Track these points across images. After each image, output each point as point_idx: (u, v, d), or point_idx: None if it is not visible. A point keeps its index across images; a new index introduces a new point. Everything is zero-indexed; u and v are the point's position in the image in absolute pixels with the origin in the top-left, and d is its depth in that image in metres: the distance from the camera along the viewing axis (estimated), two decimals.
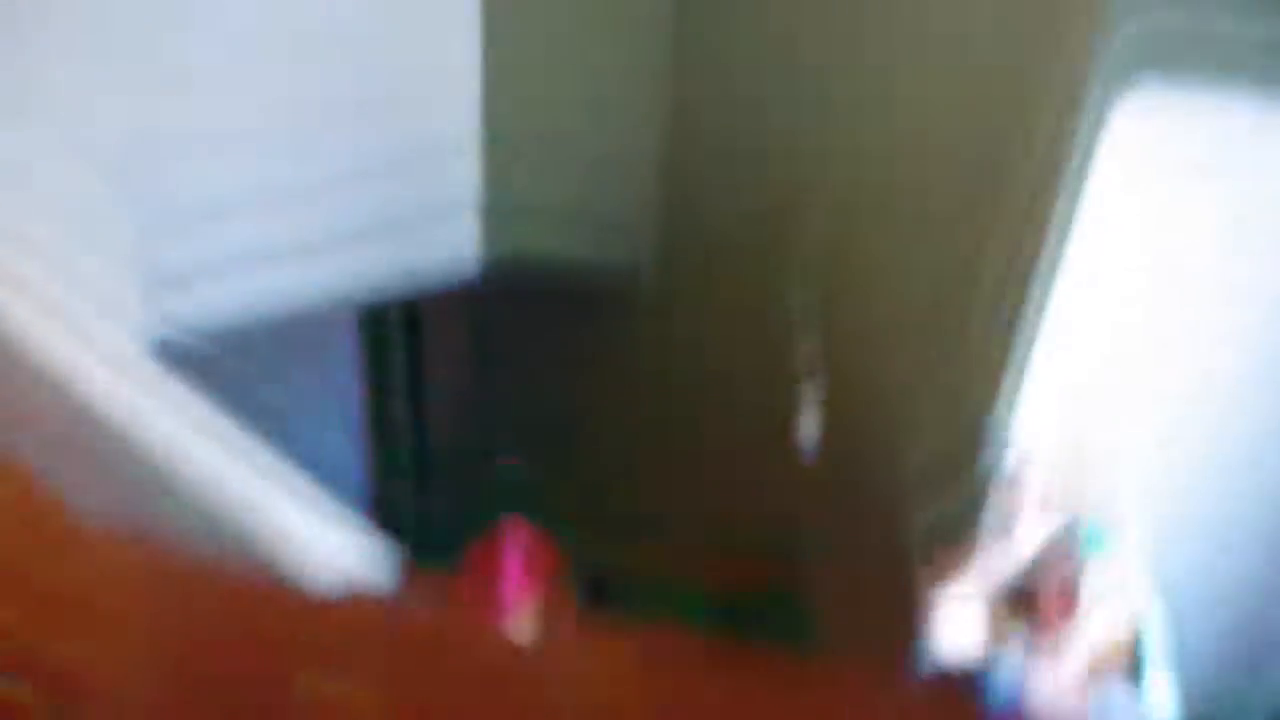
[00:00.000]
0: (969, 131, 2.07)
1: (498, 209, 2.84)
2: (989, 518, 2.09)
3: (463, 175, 2.74)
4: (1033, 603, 1.92)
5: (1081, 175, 1.84)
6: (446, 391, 4.66)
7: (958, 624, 1.99)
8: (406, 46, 2.53)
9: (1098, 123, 1.79)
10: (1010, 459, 2.14)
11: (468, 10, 2.54)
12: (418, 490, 5.03)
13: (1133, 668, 1.88)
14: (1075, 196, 1.86)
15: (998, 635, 1.98)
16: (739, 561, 2.92)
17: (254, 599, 1.06)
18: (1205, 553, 2.22)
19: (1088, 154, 1.82)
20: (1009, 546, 1.95)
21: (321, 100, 2.46)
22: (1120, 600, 1.85)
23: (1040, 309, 1.99)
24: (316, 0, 2.40)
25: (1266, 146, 1.81)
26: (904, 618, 2.01)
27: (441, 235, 2.83)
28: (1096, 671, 1.88)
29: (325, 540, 1.81)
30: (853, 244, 2.42)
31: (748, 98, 2.63)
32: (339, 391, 4.73)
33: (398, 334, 4.60)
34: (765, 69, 2.56)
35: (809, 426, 2.61)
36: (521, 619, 1.31)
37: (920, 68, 2.16)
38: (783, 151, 2.55)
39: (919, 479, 2.31)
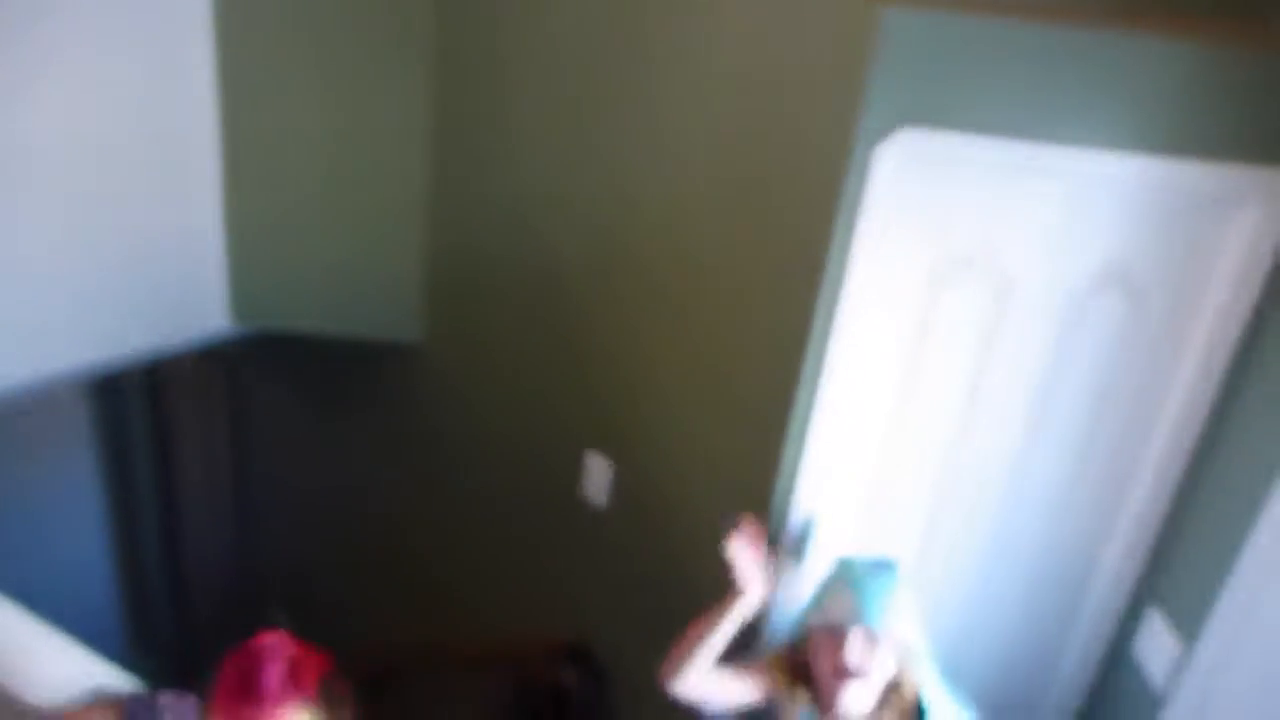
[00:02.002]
0: (733, 201, 2.08)
1: (249, 278, 2.73)
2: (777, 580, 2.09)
3: (208, 254, 2.65)
4: (809, 662, 1.91)
5: (848, 232, 1.88)
6: (197, 469, 4.37)
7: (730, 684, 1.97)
8: (147, 138, 2.45)
9: (861, 175, 1.84)
10: (795, 526, 2.17)
11: (206, 103, 2.50)
12: (172, 590, 4.71)
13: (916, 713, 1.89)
14: (843, 256, 1.89)
15: (781, 695, 1.97)
16: (532, 634, 2.83)
17: None
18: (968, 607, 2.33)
19: (854, 209, 1.86)
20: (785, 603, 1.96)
21: (63, 185, 2.34)
22: (896, 646, 1.85)
23: (815, 375, 2.01)
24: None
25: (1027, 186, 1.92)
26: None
27: (192, 305, 2.70)
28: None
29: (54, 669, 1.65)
30: (628, 321, 2.39)
31: (506, 179, 2.58)
32: (78, 477, 4.36)
33: (141, 409, 4.27)
34: (525, 150, 2.53)
35: (597, 492, 2.56)
36: None
37: (681, 159, 2.17)
38: (549, 217, 2.50)
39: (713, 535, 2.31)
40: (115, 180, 2.41)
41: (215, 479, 4.32)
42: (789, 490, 2.12)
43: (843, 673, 1.82)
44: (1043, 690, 2.45)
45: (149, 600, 4.70)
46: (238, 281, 2.73)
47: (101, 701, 1.59)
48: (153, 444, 4.37)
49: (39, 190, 2.29)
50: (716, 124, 2.07)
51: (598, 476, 2.54)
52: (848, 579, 1.87)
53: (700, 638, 1.92)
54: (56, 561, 4.30)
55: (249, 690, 1.19)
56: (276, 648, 1.23)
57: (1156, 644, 2.19)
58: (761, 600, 1.97)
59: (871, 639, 1.81)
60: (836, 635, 1.83)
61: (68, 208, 2.36)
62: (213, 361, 3.84)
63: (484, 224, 2.67)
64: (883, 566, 1.88)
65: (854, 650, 1.80)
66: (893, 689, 1.87)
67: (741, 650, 2.02)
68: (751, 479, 2.15)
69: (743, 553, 1.95)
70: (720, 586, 2.30)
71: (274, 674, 1.20)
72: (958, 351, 2.05)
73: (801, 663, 1.93)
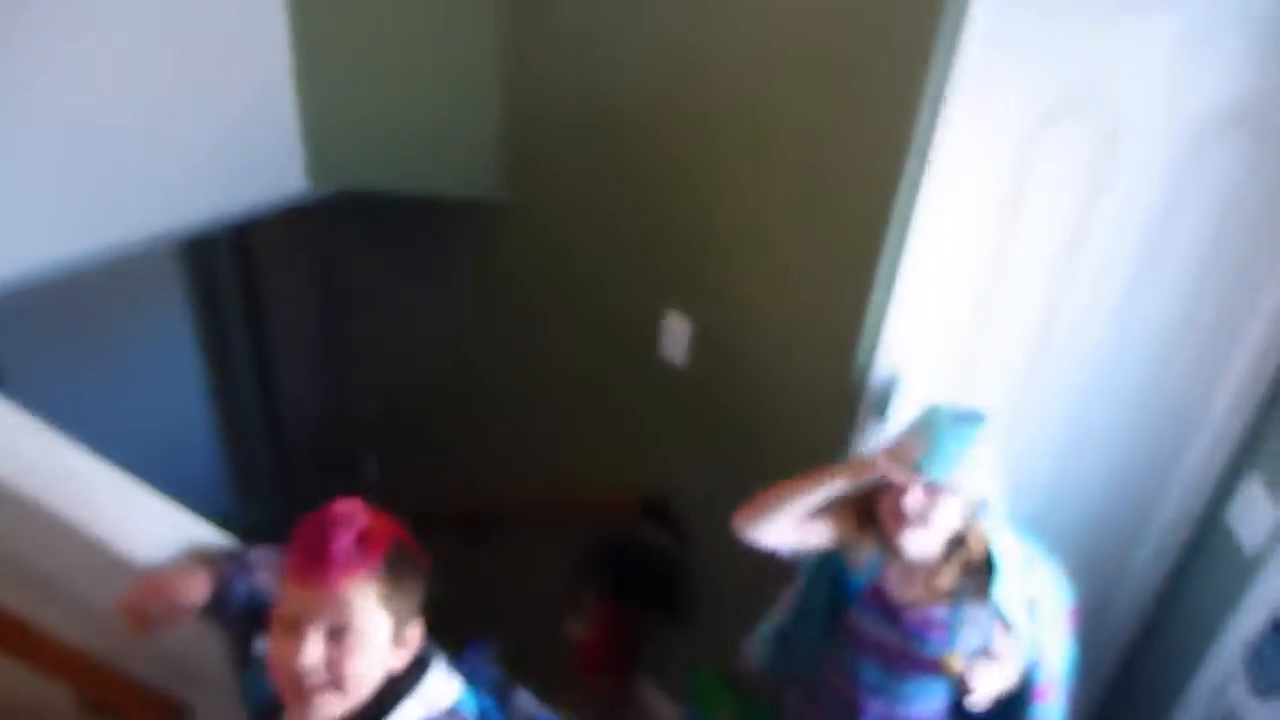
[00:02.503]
0: (822, 43, 1.94)
1: (326, 140, 2.69)
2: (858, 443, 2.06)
3: (283, 108, 2.59)
4: (878, 506, 1.89)
5: (945, 69, 1.74)
6: (288, 328, 4.48)
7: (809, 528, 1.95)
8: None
9: (959, 16, 1.70)
10: (879, 381, 2.11)
11: None
12: (272, 439, 4.92)
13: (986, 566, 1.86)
14: (939, 94, 1.76)
15: (850, 536, 1.96)
16: (612, 489, 2.88)
17: None
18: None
19: (952, 43, 1.73)
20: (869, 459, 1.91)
21: (133, 43, 2.30)
22: (964, 500, 1.81)
23: (905, 222, 1.91)
24: None
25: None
26: None
27: (269, 168, 2.67)
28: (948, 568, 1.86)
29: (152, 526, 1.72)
30: (708, 174, 2.30)
31: (583, 26, 2.47)
32: (175, 335, 4.52)
33: (230, 269, 4.37)
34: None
35: (676, 350, 2.54)
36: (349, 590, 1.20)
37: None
38: (627, 65, 2.40)
39: (792, 394, 2.28)
40: (187, 47, 2.37)
41: (306, 335, 4.42)
42: (874, 344, 2.05)
43: (901, 518, 1.80)
44: (1131, 549, 2.41)
45: (250, 451, 4.92)
46: (314, 143, 2.68)
47: (198, 558, 1.65)
48: (243, 301, 4.48)
49: (112, 55, 2.27)
50: None
51: (677, 334, 2.51)
52: (927, 425, 1.81)
53: (795, 494, 1.90)
54: (160, 415, 4.50)
55: (317, 558, 1.21)
56: (348, 516, 1.25)
57: (1253, 509, 2.13)
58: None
59: (934, 490, 1.78)
60: (901, 480, 1.80)
61: (140, 73, 2.33)
62: (297, 221, 3.87)
63: (561, 76, 2.58)
64: (968, 418, 1.81)
65: (913, 499, 1.78)
66: (959, 543, 1.85)
67: None
68: (835, 334, 2.09)
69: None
70: (794, 444, 2.29)
71: (341, 542, 1.21)
72: (1062, 197, 1.93)
73: (871, 501, 1.92)
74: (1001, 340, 2.10)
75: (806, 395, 2.23)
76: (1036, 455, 2.20)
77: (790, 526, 1.93)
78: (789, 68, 2.01)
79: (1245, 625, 2.11)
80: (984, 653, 1.85)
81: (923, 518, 1.78)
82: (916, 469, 1.76)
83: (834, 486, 1.89)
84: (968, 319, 2.07)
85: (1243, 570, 2.14)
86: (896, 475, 1.80)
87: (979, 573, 1.85)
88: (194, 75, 2.42)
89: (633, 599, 2.88)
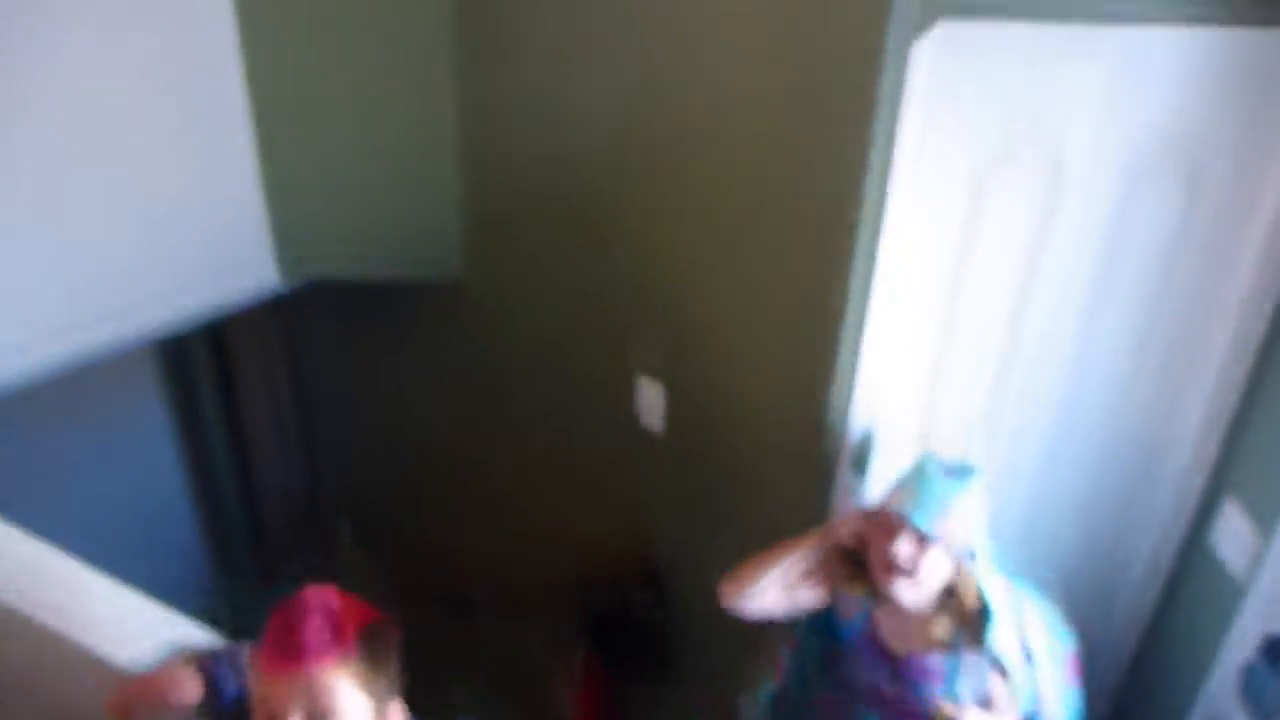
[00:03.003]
0: (770, 102, 2.00)
1: (293, 235, 2.76)
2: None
3: (251, 208, 2.68)
4: (867, 556, 1.90)
5: (891, 130, 1.80)
6: (263, 412, 4.49)
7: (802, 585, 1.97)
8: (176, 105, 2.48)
9: (900, 72, 1.76)
10: (854, 438, 2.13)
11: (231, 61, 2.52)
12: (252, 523, 4.90)
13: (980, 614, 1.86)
14: (887, 154, 1.82)
15: (840, 585, 1.97)
16: (599, 557, 2.87)
17: None
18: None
19: (895, 106, 1.79)
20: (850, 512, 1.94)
21: (105, 154, 2.38)
22: (953, 551, 1.82)
23: (866, 278, 1.95)
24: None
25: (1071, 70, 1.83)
26: None
27: (240, 266, 2.75)
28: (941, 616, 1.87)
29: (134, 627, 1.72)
30: (668, 237, 2.35)
31: (535, 98, 2.53)
32: (152, 426, 4.52)
33: (204, 359, 4.39)
34: (551, 67, 2.47)
35: (652, 416, 2.56)
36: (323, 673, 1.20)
37: (714, 55, 2.08)
38: (580, 137, 2.45)
39: (769, 453, 2.30)
40: (151, 149, 2.44)
41: (282, 420, 4.44)
42: (846, 397, 2.08)
43: (891, 568, 1.81)
44: (1118, 581, 2.41)
45: (230, 533, 4.91)
46: (281, 237, 2.75)
47: (182, 657, 1.64)
48: (218, 388, 4.51)
49: (81, 166, 2.33)
50: (749, 26, 1.99)
51: (652, 400, 2.53)
52: (916, 474, 1.83)
53: (774, 563, 1.92)
54: (140, 504, 4.49)
55: (290, 645, 1.21)
56: (318, 602, 1.25)
57: (1234, 534, 2.14)
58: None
59: (922, 539, 1.79)
60: (888, 529, 1.82)
61: (109, 182, 2.39)
62: (268, 313, 3.90)
63: (516, 154, 2.63)
64: (958, 471, 1.83)
65: (901, 549, 1.79)
66: (950, 594, 1.85)
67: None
68: (806, 390, 2.11)
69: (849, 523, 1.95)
70: (775, 504, 2.30)
71: (313, 629, 1.21)
72: (1011, 242, 1.98)
73: (861, 552, 1.92)
74: (966, 380, 2.13)
75: (784, 452, 2.25)
76: (1009, 490, 2.22)
77: (776, 593, 1.94)
78: (738, 132, 2.07)
79: (1237, 651, 2.12)
80: (982, 701, 1.85)
81: (912, 567, 1.79)
82: (903, 519, 1.78)
83: (811, 552, 1.92)
84: (934, 368, 2.11)
85: (1230, 594, 2.14)
86: (881, 521, 1.82)
87: (973, 621, 1.86)
88: (165, 184, 2.49)
89: (621, 661, 2.86)
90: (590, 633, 2.88)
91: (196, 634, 1.75)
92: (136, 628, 1.72)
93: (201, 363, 4.42)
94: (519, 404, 3.01)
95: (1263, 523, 2.04)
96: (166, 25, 2.38)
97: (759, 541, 2.08)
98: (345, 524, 4.28)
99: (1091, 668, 2.06)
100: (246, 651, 1.63)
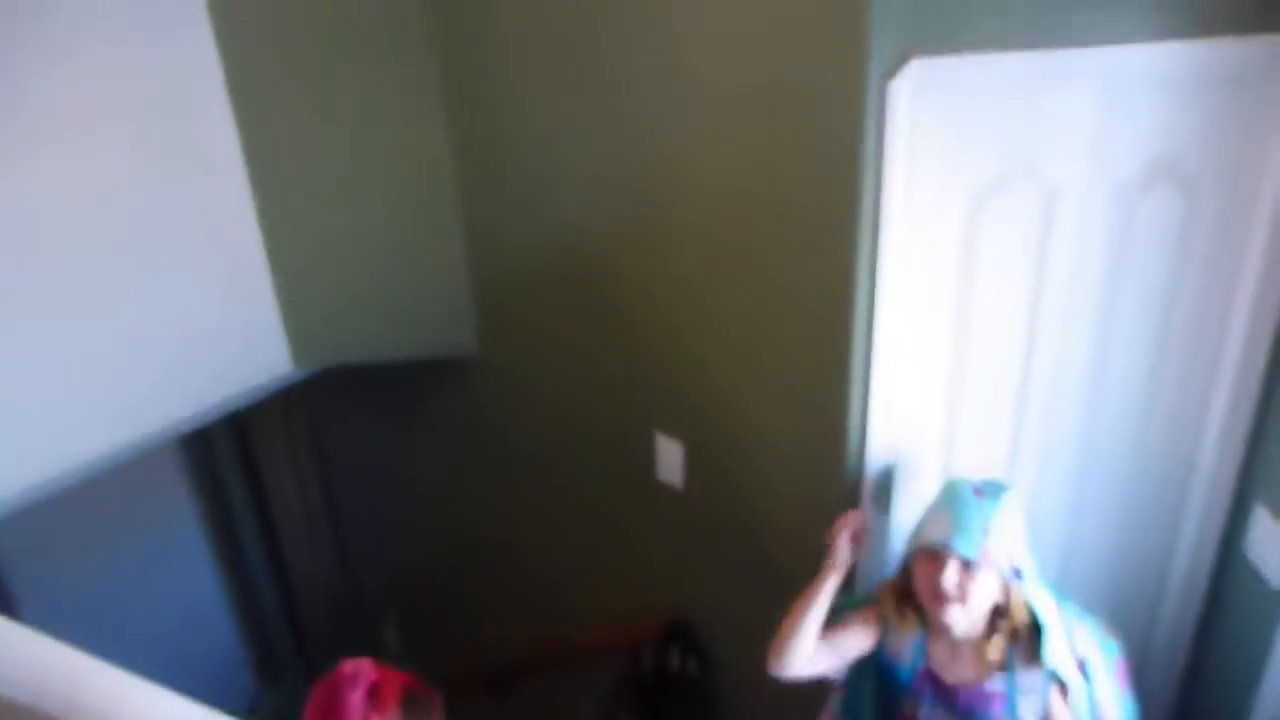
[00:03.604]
0: (758, 154, 2.03)
1: (304, 325, 2.82)
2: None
3: (263, 302, 2.75)
4: (915, 589, 1.90)
5: (877, 171, 1.83)
6: (291, 505, 4.51)
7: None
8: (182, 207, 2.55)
9: (880, 111, 1.79)
10: (873, 477, 2.14)
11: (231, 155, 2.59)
12: (289, 617, 4.88)
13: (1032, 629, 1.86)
14: (876, 196, 1.85)
15: (891, 623, 1.97)
16: (633, 618, 2.86)
17: None
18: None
19: (879, 147, 1.81)
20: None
21: (120, 260, 2.46)
22: (999, 570, 1.82)
23: (869, 320, 1.96)
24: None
25: (1048, 96, 1.85)
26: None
27: (255, 358, 2.81)
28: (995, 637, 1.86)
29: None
30: (673, 297, 2.38)
31: (531, 175, 2.59)
32: (181, 527, 4.54)
33: (228, 455, 4.42)
34: (542, 144, 2.52)
35: (671, 473, 2.56)
36: None
37: (701, 115, 2.13)
38: (582, 204, 2.49)
39: (790, 500, 2.29)
40: (160, 253, 2.51)
41: (311, 512, 4.44)
42: (861, 442, 2.08)
43: (941, 597, 1.80)
44: (1157, 599, 2.38)
45: (270, 635, 4.88)
46: (293, 327, 2.81)
47: None
48: (245, 485, 4.52)
49: (90, 268, 2.39)
50: (732, 82, 2.03)
51: (670, 457, 2.54)
52: (949, 500, 1.84)
53: (799, 619, 1.92)
54: (175, 610, 4.49)
55: (331, 716, 1.22)
56: (356, 674, 1.27)
57: (1268, 541, 2.11)
58: (848, 567, 1.96)
59: (967, 565, 1.78)
60: (934, 558, 1.82)
61: (119, 284, 2.46)
62: (285, 403, 3.95)
63: (521, 225, 2.68)
64: (988, 489, 1.84)
65: (949, 577, 1.78)
66: (1000, 613, 1.85)
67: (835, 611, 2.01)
68: (823, 435, 2.12)
69: (842, 533, 1.96)
70: (802, 552, 2.29)
71: (353, 700, 1.23)
72: (1011, 270, 1.99)
73: (908, 587, 1.92)
74: (983, 409, 2.13)
75: (807, 499, 2.24)
76: (1041, 518, 2.20)
77: (815, 648, 1.92)
78: (731, 187, 2.10)
79: None
80: (1044, 719, 1.84)
81: (962, 594, 1.79)
82: (946, 547, 1.78)
83: (828, 583, 1.92)
84: (947, 394, 2.11)
85: (1273, 603, 2.11)
86: (923, 553, 1.83)
87: (1026, 640, 1.86)
88: (180, 284, 2.56)
89: None
90: (633, 699, 2.85)
91: None
92: None
93: (227, 459, 4.45)
94: (542, 472, 3.03)
95: None
96: (172, 130, 2.46)
97: (792, 592, 2.07)
98: (389, 620, 4.28)
99: (1142, 683, 2.04)
100: None
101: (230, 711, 1.79)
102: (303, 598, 4.73)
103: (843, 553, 1.94)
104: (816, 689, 2.11)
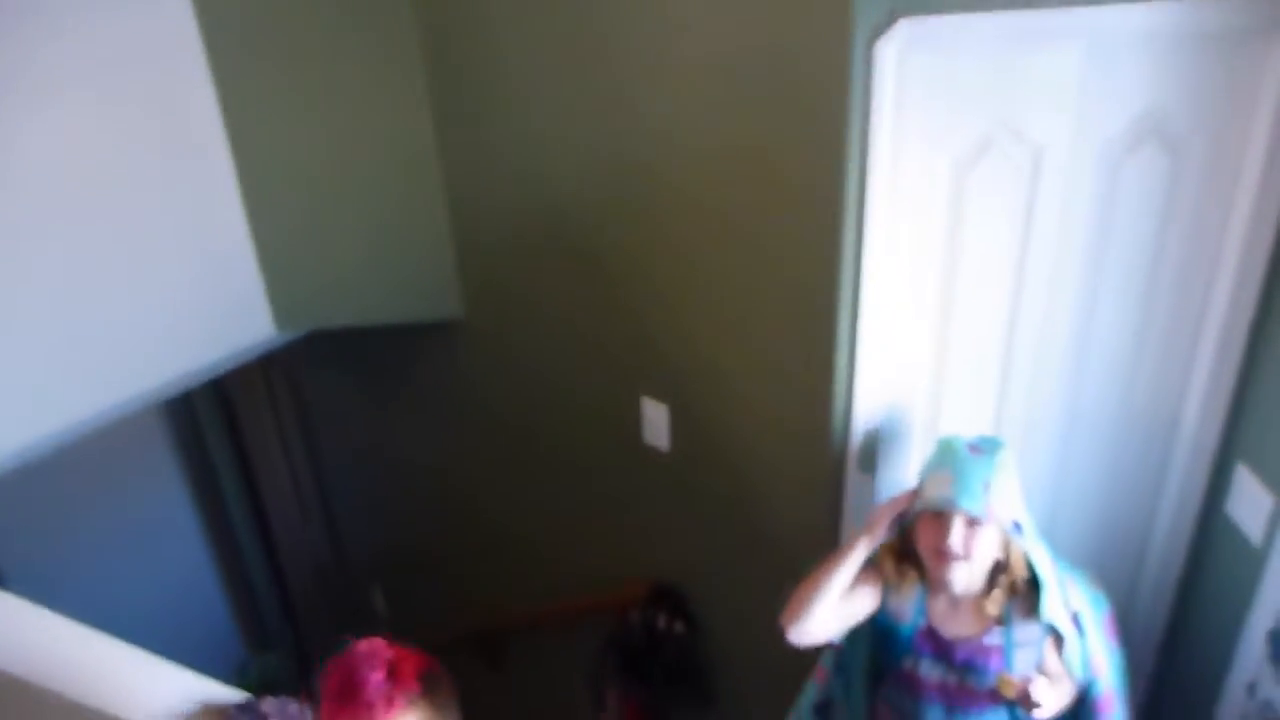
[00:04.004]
0: (744, 118, 2.01)
1: (287, 287, 2.78)
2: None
3: (245, 264, 2.71)
4: (916, 547, 1.91)
5: (865, 133, 1.81)
6: (276, 472, 4.50)
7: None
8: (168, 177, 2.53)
9: (867, 73, 1.77)
10: (859, 439, 2.14)
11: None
12: (276, 583, 4.90)
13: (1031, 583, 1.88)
14: (863, 158, 1.83)
15: (892, 582, 1.98)
16: (620, 581, 2.88)
17: None
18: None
19: (866, 108, 1.80)
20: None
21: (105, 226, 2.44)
22: (999, 525, 1.82)
23: (855, 282, 1.96)
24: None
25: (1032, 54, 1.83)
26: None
27: (238, 321, 2.77)
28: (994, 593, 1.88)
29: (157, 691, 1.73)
30: (658, 263, 2.36)
31: (516, 144, 2.57)
32: (169, 494, 4.53)
33: (213, 421, 4.40)
34: (526, 114, 2.50)
35: (657, 436, 2.56)
36: None
37: (685, 83, 2.10)
38: (566, 166, 2.47)
39: (775, 462, 2.30)
40: (142, 218, 2.48)
41: (298, 479, 4.44)
42: (847, 407, 2.09)
43: (944, 555, 1.82)
44: (1140, 557, 2.41)
45: (258, 602, 4.89)
46: (276, 291, 2.77)
47: (207, 714, 1.65)
48: (231, 452, 4.51)
49: (73, 236, 2.37)
50: (717, 49, 2.01)
51: (656, 420, 2.54)
52: (947, 459, 1.85)
53: (823, 584, 1.90)
54: (164, 577, 4.49)
55: (354, 700, 1.22)
56: (374, 653, 1.27)
57: (1250, 500, 2.13)
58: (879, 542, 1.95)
59: (972, 522, 1.80)
60: (937, 517, 1.83)
61: (102, 251, 2.44)
62: (269, 371, 3.93)
63: (507, 192, 2.65)
64: (984, 445, 1.85)
65: (955, 535, 1.79)
66: (1000, 568, 1.87)
67: None
68: (808, 397, 2.12)
69: (887, 508, 1.94)
70: (789, 511, 2.30)
71: (374, 680, 1.23)
72: (999, 232, 1.98)
73: (909, 547, 1.93)
74: (969, 372, 2.13)
75: (792, 462, 2.25)
76: (1026, 478, 2.21)
77: (834, 612, 1.93)
78: (717, 153, 2.09)
79: (1265, 616, 2.10)
80: (1040, 671, 1.87)
81: (967, 551, 1.80)
82: (951, 505, 1.79)
83: (860, 553, 1.91)
84: (932, 357, 2.11)
85: (1253, 561, 2.13)
86: (927, 511, 1.83)
87: (1024, 594, 1.89)
88: (161, 247, 2.53)
89: (653, 688, 2.86)
90: (622, 665, 2.87)
91: (223, 693, 1.76)
92: (160, 689, 1.73)
93: (213, 429, 4.44)
94: (527, 437, 3.02)
95: (1276, 487, 2.04)
96: (154, 103, 2.44)
97: (777, 553, 2.08)
98: (377, 587, 4.29)
99: (1127, 637, 2.07)
100: (272, 704, 1.65)
101: (219, 678, 1.81)
102: (290, 566, 4.75)
103: (880, 527, 1.92)
104: (806, 648, 2.13)
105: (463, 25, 2.53)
